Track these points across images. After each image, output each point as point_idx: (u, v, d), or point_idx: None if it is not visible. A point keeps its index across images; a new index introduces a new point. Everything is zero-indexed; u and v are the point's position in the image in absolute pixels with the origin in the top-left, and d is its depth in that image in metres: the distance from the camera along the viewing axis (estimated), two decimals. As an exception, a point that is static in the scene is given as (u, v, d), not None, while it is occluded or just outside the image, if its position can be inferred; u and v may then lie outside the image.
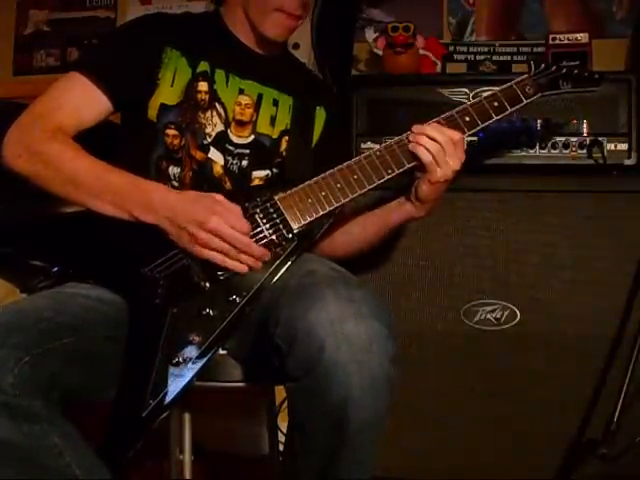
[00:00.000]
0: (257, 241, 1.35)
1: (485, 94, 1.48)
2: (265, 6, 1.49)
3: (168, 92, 1.49)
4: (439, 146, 1.39)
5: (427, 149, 1.39)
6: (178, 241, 1.32)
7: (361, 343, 1.15)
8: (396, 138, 1.43)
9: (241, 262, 1.32)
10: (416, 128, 1.41)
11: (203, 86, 1.51)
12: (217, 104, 1.52)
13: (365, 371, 1.15)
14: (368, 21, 2.49)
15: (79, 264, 1.35)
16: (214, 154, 1.51)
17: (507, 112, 1.47)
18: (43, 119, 1.40)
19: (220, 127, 1.51)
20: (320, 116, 1.63)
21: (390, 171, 1.41)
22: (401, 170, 1.42)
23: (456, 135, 1.40)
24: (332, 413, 1.16)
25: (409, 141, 1.41)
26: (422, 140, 1.39)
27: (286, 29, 1.53)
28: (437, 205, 1.48)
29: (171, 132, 1.49)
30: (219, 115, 1.52)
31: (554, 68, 1.53)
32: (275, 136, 1.57)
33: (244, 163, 1.53)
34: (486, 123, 1.46)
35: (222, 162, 1.51)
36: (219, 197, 1.34)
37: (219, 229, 1.30)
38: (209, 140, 1.51)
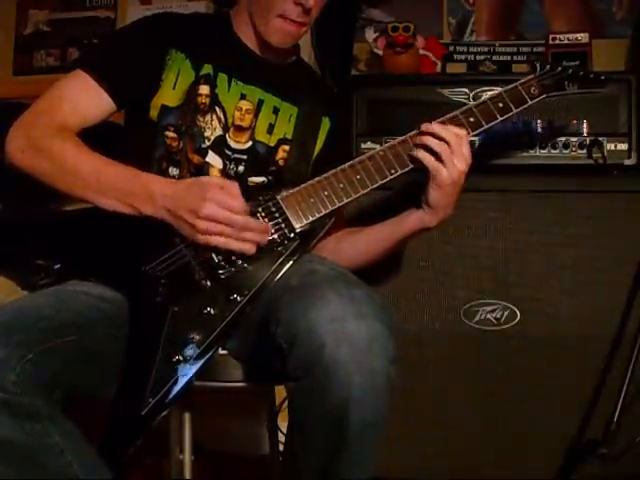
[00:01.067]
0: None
1: (489, 95, 1.47)
2: (268, 12, 1.47)
3: (170, 94, 1.49)
4: (446, 145, 1.36)
5: (431, 151, 1.37)
6: (180, 231, 1.32)
7: (362, 343, 1.15)
8: (399, 138, 1.42)
9: (246, 242, 1.31)
10: (425, 126, 1.39)
11: (204, 89, 1.50)
12: (217, 108, 1.51)
13: (365, 371, 1.15)
14: (368, 21, 2.48)
15: (80, 262, 1.35)
16: (212, 158, 1.50)
17: (512, 113, 1.46)
18: (46, 116, 1.40)
19: (219, 131, 1.51)
20: (324, 126, 1.61)
21: (393, 171, 1.41)
22: (404, 170, 1.41)
23: (461, 131, 1.39)
24: (332, 413, 1.16)
25: (413, 141, 1.40)
26: (428, 141, 1.38)
27: (289, 35, 1.50)
28: (449, 214, 1.44)
29: (170, 134, 1.49)
30: (218, 119, 1.51)
31: (560, 69, 1.51)
32: (272, 144, 1.55)
33: (240, 168, 1.52)
34: (491, 124, 1.45)
35: (220, 166, 1.50)
36: (213, 180, 1.34)
37: (213, 214, 1.28)
38: (207, 144, 1.50)
